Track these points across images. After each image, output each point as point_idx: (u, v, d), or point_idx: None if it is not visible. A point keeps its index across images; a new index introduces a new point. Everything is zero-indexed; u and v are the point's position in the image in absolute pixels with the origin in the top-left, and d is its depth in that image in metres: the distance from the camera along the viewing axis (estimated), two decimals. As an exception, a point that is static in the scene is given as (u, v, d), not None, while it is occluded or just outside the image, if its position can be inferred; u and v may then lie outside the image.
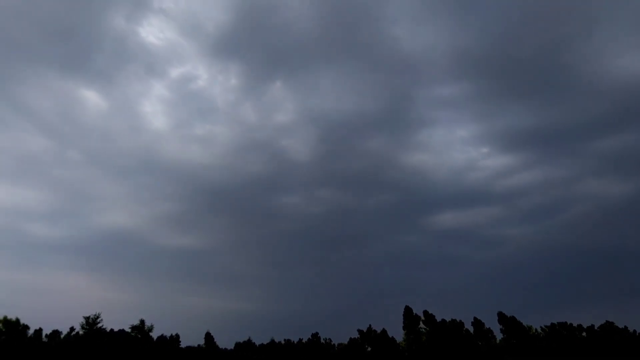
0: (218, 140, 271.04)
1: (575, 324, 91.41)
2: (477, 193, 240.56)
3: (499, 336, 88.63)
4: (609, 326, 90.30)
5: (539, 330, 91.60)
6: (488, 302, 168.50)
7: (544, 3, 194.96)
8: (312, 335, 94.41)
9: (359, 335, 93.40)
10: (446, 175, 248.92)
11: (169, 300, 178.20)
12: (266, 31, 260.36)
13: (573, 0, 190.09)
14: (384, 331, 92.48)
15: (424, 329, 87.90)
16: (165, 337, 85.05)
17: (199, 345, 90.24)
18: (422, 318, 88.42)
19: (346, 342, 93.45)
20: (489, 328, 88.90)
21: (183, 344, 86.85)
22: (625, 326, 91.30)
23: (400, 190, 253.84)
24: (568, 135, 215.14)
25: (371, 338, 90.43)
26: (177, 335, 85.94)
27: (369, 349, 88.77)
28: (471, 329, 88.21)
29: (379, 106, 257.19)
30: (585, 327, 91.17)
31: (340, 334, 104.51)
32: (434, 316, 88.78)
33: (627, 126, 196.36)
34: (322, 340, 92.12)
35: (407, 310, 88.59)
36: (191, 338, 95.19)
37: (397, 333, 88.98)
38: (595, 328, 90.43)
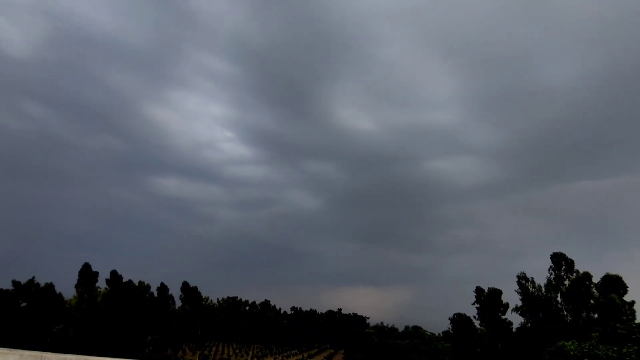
0: None
1: (243, 299, 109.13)
2: (207, 171, 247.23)
3: (178, 303, 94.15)
4: (266, 303, 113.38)
5: (215, 302, 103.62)
6: (181, 271, 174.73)
7: (316, 38, 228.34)
8: None
9: (13, 287, 75.14)
10: (185, 143, 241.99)
11: None
12: None
13: (327, 51, 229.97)
14: (50, 285, 78.56)
15: (105, 288, 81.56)
16: None
17: None
18: (108, 278, 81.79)
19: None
20: (171, 294, 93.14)
21: None
22: (274, 305, 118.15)
23: (131, 141, 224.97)
24: (295, 150, 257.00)
25: (31, 292, 74.40)
26: None
27: (24, 304, 72.44)
28: (156, 293, 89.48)
29: (143, 40, 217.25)
30: (250, 302, 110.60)
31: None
32: (122, 277, 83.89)
33: (327, 159, 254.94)
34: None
35: (85, 267, 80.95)
36: None
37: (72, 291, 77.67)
38: (257, 304, 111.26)
